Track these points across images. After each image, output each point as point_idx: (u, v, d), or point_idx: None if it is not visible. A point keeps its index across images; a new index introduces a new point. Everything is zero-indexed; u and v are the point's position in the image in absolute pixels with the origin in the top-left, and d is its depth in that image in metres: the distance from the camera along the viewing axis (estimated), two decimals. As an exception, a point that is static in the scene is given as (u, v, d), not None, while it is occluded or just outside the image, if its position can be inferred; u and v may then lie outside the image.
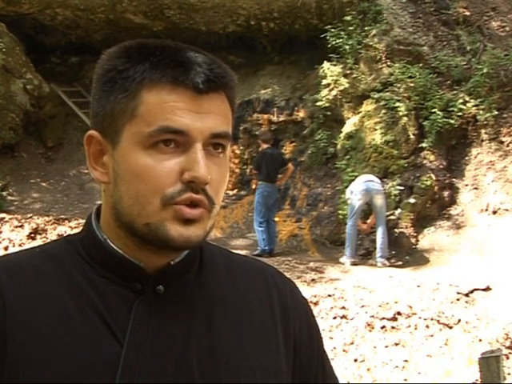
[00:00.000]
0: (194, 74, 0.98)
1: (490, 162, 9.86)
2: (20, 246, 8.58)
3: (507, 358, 6.45)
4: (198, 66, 0.99)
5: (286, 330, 1.10)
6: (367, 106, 10.47)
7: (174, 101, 0.97)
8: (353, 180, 9.50)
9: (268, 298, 1.11)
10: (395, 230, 9.57)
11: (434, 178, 9.76)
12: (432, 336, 7.01)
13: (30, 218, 9.44)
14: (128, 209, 0.99)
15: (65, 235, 1.17)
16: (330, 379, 1.19)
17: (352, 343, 6.95)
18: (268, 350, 1.07)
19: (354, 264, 8.94)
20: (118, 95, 0.99)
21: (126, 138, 0.99)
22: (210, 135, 0.99)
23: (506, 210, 9.37)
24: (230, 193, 11.33)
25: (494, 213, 9.43)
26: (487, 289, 7.71)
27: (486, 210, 9.53)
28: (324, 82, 10.82)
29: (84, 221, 1.11)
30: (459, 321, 7.15)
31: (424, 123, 10.04)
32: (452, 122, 9.95)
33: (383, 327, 7.11)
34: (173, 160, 0.98)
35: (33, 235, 8.93)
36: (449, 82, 10.55)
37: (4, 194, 10.75)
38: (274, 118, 11.71)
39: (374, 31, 10.89)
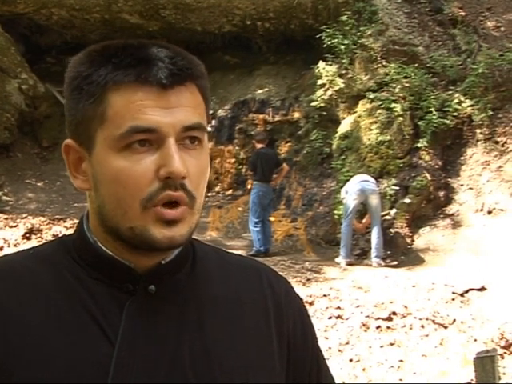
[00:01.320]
0: (157, 69, 0.96)
1: (486, 161, 9.88)
2: (15, 246, 8.55)
3: (502, 358, 6.46)
4: (159, 61, 0.97)
5: (279, 329, 1.10)
6: (362, 106, 10.48)
7: (141, 99, 0.96)
8: (348, 180, 9.50)
9: (263, 297, 1.11)
10: (390, 229, 9.58)
11: (429, 177, 9.77)
12: (427, 336, 7.01)
13: (25, 218, 9.41)
14: (112, 212, 0.99)
15: (60, 235, 1.17)
16: (325, 378, 1.19)
17: (347, 343, 6.95)
18: (261, 350, 1.07)
19: (349, 264, 8.94)
20: (85, 102, 0.99)
21: (100, 144, 0.99)
22: (181, 129, 0.97)
23: (502, 209, 9.38)
24: (226, 193, 11.32)
25: (490, 213, 9.45)
26: (482, 289, 7.71)
27: (482, 209, 9.54)
28: (319, 82, 10.83)
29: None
30: (454, 321, 7.15)
31: (419, 123, 10.05)
32: (447, 122, 9.97)
33: (378, 327, 7.11)
34: (148, 159, 0.97)
35: (28, 235, 8.89)
36: (444, 82, 10.56)
37: (-1, 194, 10.73)
38: (270, 118, 11.72)
39: (369, 31, 10.91)
